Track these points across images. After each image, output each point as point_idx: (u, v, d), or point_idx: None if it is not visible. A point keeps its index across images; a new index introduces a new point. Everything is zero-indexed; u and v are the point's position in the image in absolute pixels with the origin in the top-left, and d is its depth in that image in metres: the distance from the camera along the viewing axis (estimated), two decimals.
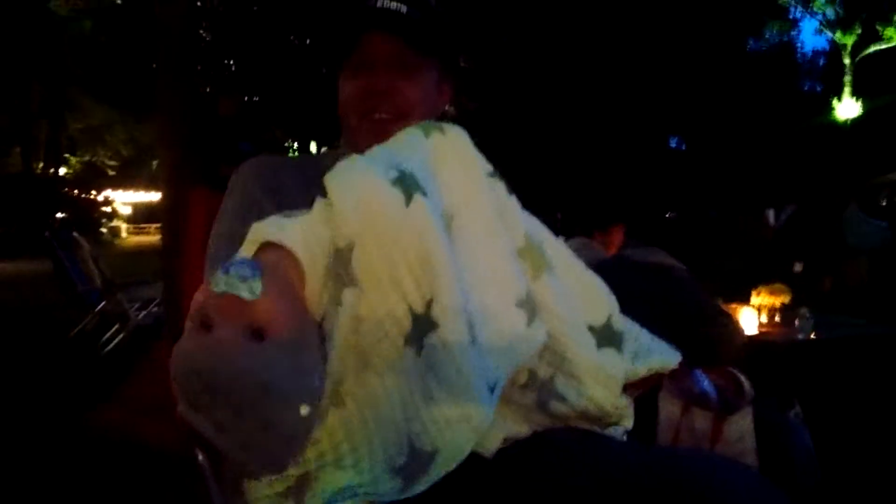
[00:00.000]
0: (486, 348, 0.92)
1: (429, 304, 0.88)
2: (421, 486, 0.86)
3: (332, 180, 0.90)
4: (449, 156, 1.02)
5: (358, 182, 0.88)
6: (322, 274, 0.87)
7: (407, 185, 0.89)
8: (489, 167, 1.06)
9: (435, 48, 1.23)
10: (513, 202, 1.08)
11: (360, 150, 1.20)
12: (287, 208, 1.13)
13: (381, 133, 1.18)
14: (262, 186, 1.20)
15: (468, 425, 0.87)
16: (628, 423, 1.14)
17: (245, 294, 0.70)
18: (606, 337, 1.09)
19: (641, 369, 1.15)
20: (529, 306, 0.99)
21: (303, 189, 1.18)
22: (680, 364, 1.30)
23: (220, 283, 0.70)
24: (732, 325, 2.67)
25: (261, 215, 1.14)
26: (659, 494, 0.90)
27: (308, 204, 1.13)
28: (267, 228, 0.86)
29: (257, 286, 0.71)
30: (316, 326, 0.84)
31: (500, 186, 1.06)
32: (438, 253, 0.88)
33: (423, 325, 0.88)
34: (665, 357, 1.18)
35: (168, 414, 0.96)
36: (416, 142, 1.01)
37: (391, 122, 1.19)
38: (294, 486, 0.88)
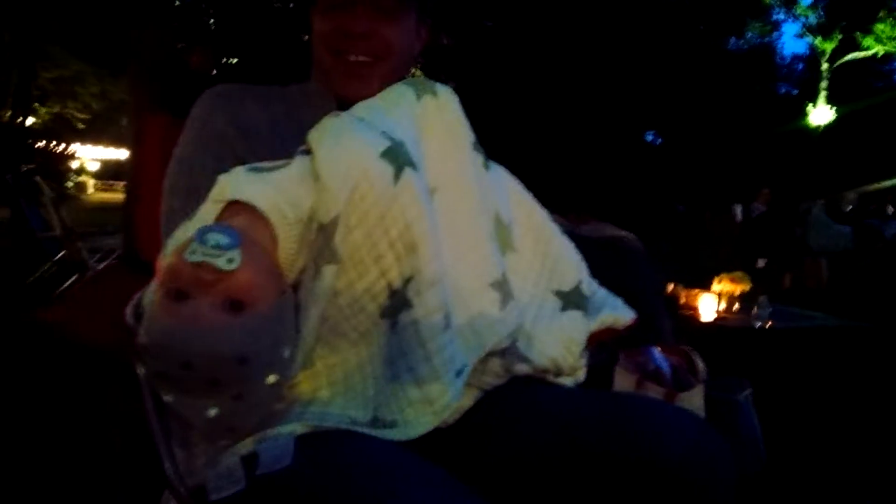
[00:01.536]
0: (457, 332, 0.92)
1: (407, 282, 0.87)
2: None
3: (319, 146, 0.86)
4: (438, 122, 1.00)
5: (347, 155, 0.84)
6: (295, 240, 0.84)
7: (397, 157, 0.86)
8: (473, 137, 1.05)
9: None
10: (491, 175, 1.07)
11: (334, 89, 1.19)
12: (253, 142, 1.11)
13: (358, 75, 1.16)
14: (225, 116, 1.16)
15: (430, 408, 0.87)
16: (581, 375, 1.15)
17: (223, 265, 0.67)
18: (573, 301, 1.10)
19: (594, 323, 1.15)
20: (504, 288, 0.99)
21: (270, 124, 1.15)
22: (635, 340, 1.31)
23: (195, 251, 0.67)
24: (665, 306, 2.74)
25: (223, 146, 1.11)
26: (606, 433, 0.91)
27: (274, 143, 1.11)
28: (236, 186, 0.82)
29: (236, 256, 0.68)
30: (291, 297, 0.81)
31: (480, 159, 1.05)
32: (422, 232, 0.87)
33: (399, 302, 0.87)
34: (618, 312, 1.19)
35: (111, 314, 0.95)
36: (406, 103, 0.99)
37: (368, 64, 1.17)
38: None
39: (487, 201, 1.04)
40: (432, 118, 1.00)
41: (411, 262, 0.86)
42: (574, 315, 1.10)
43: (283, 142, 1.08)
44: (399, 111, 0.97)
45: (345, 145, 0.85)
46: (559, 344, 1.06)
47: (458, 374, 0.90)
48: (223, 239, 0.68)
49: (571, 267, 1.14)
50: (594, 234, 2.65)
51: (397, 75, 1.20)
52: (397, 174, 0.85)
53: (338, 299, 0.85)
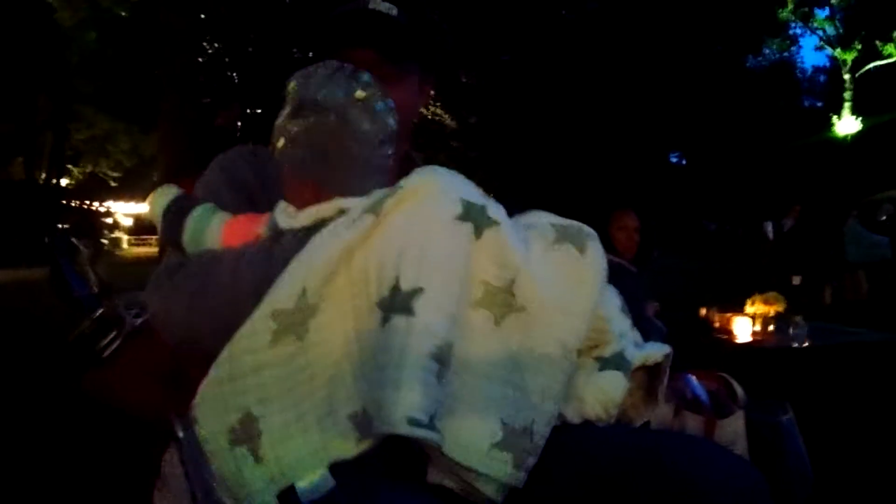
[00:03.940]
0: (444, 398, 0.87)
1: (414, 291, 0.86)
2: (372, 441, 0.84)
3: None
4: (574, 267, 1.02)
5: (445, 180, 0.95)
6: None
7: (476, 215, 0.92)
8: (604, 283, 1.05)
9: (418, 54, 1.23)
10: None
11: None
12: (274, 196, 1.14)
13: None
14: (250, 167, 1.20)
15: (386, 419, 0.81)
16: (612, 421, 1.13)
17: None
18: (614, 363, 1.07)
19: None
20: (509, 440, 0.90)
21: (266, 186, 1.18)
22: (671, 368, 1.29)
23: None
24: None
25: (241, 192, 1.16)
26: (640, 473, 0.90)
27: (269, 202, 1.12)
28: None
29: None
30: None
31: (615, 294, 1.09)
32: (452, 261, 0.89)
33: (398, 303, 0.86)
34: (647, 350, 1.17)
35: (154, 379, 0.98)
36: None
37: None
38: (239, 427, 0.88)
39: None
40: (568, 263, 1.02)
41: (426, 276, 0.88)
42: (614, 374, 1.06)
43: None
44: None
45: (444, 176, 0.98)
46: (597, 403, 1.04)
47: (422, 424, 0.81)
48: None
49: (614, 340, 1.09)
50: None
51: (401, 132, 1.23)
52: (462, 217, 0.92)
53: (352, 271, 0.91)
